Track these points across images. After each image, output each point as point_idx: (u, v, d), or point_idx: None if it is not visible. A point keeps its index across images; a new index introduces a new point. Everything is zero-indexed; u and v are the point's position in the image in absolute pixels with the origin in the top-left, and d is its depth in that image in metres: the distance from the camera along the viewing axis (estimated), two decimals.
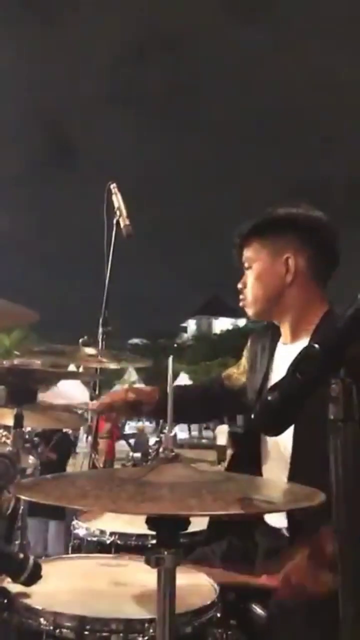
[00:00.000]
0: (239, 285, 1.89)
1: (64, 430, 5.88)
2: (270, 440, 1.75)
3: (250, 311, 1.88)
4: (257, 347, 1.98)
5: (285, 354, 1.81)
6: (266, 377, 1.86)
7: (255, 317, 1.89)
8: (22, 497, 1.65)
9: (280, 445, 1.70)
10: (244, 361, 2.08)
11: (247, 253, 1.86)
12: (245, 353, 2.09)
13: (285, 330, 1.85)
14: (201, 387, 2.41)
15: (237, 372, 2.11)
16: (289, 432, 1.49)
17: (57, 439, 5.79)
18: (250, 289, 1.85)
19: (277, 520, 1.70)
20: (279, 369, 1.81)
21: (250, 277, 1.85)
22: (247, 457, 1.85)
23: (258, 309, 1.85)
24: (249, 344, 2.07)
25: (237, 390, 2.06)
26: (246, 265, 1.86)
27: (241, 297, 1.89)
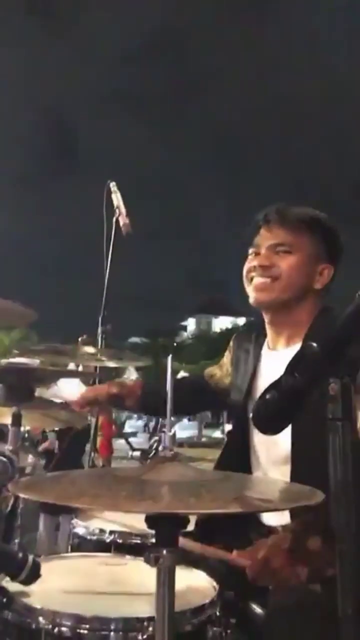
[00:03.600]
0: (266, 262, 1.75)
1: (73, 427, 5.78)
2: (263, 439, 1.75)
3: (272, 294, 1.75)
4: (240, 351, 1.96)
5: (275, 359, 1.78)
6: (252, 380, 1.84)
7: (270, 303, 1.77)
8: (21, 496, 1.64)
9: (275, 444, 1.70)
10: (226, 362, 2.07)
11: (291, 237, 1.75)
12: (227, 354, 2.07)
13: (277, 336, 1.83)
14: (189, 381, 2.43)
15: (221, 373, 2.11)
16: (286, 431, 1.49)
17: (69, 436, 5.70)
18: (288, 272, 1.74)
19: (273, 518, 1.70)
20: (268, 374, 1.80)
21: (287, 261, 1.74)
22: (236, 456, 1.85)
23: (284, 296, 1.75)
24: (231, 345, 2.05)
25: (220, 390, 2.07)
26: (283, 248, 1.75)
27: (265, 273, 1.75)
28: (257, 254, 1.80)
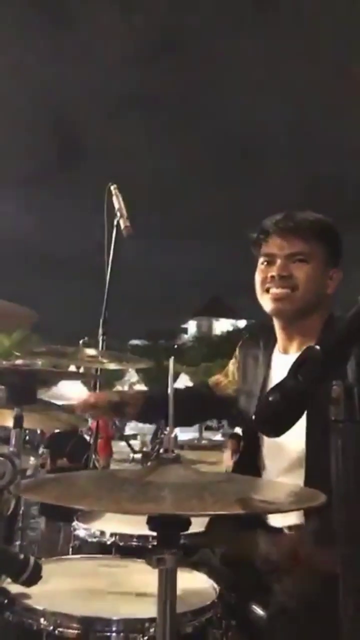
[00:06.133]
0: (284, 273, 1.74)
1: (80, 431, 5.46)
2: (274, 443, 1.75)
3: (292, 305, 1.75)
4: (248, 357, 1.96)
5: (287, 363, 1.78)
6: (265, 385, 1.83)
7: (289, 313, 1.77)
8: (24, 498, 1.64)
9: (287, 449, 1.70)
10: (232, 369, 2.06)
11: (306, 246, 1.75)
12: (232, 362, 2.07)
13: (289, 341, 1.83)
14: (190, 393, 2.39)
15: (226, 381, 2.09)
16: (296, 434, 1.49)
17: (72, 444, 5.51)
18: (306, 281, 1.74)
19: (279, 520, 1.70)
20: (280, 378, 1.79)
21: (304, 270, 1.75)
22: (248, 461, 1.85)
23: (302, 306, 1.75)
24: (237, 353, 2.04)
25: (225, 398, 2.05)
26: (299, 257, 1.75)
27: (283, 283, 1.75)
28: (270, 262, 1.79)
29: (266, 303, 1.80)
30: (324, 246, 1.78)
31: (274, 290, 1.76)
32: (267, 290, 1.78)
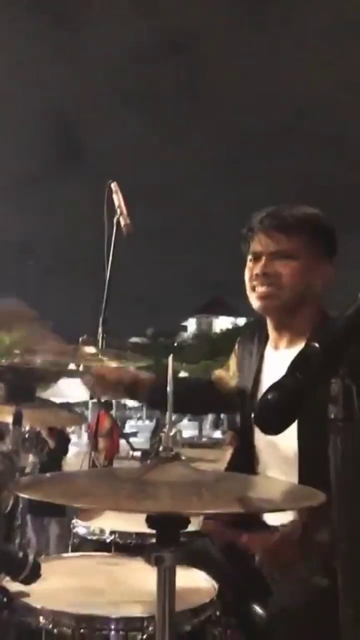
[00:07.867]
0: (268, 270, 1.72)
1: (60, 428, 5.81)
2: (267, 440, 1.75)
3: (277, 302, 1.73)
4: (245, 353, 1.96)
5: (278, 359, 1.79)
6: (257, 381, 1.84)
7: (275, 310, 1.76)
8: (22, 496, 1.64)
9: (280, 445, 1.70)
10: (232, 365, 2.07)
11: (291, 243, 1.72)
12: (233, 357, 2.07)
13: (280, 337, 1.82)
14: (197, 382, 2.40)
15: (227, 377, 2.10)
16: (289, 431, 1.49)
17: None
18: (291, 278, 1.72)
19: (275, 518, 1.70)
20: (271, 374, 1.79)
21: (290, 267, 1.72)
22: (242, 456, 1.85)
23: (288, 303, 1.73)
24: (236, 348, 2.05)
25: (226, 393, 2.06)
26: (284, 254, 1.72)
27: (268, 281, 1.72)
28: (256, 260, 1.77)
29: (253, 301, 1.78)
30: (312, 242, 1.75)
31: (259, 288, 1.75)
32: (254, 288, 1.77)
